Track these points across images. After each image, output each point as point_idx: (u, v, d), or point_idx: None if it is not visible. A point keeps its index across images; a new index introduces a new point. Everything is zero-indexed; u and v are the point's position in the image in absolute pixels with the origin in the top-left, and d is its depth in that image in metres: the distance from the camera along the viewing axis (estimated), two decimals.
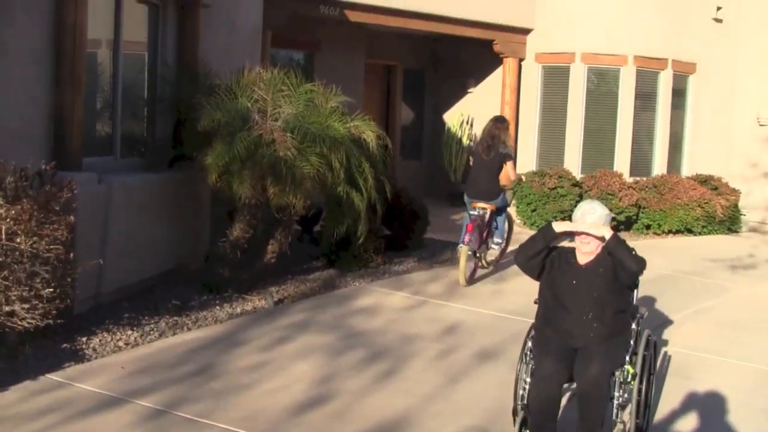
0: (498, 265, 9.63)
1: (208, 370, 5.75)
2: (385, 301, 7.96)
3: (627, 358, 4.80)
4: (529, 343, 4.91)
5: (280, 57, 12.27)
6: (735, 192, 14.08)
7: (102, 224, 6.76)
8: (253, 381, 5.59)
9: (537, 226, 12.67)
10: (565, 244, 5.14)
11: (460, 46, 14.91)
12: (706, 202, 13.25)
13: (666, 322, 7.75)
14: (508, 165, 9.15)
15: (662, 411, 5.57)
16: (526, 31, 14.18)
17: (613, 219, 12.70)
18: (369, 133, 8.05)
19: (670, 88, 14.23)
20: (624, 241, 4.83)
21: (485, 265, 9.41)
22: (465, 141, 15.21)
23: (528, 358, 4.86)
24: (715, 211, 13.32)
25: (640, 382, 4.81)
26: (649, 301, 8.10)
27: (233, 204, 7.72)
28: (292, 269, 8.72)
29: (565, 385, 4.80)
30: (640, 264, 4.79)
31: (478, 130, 15.25)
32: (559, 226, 4.91)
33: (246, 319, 7.05)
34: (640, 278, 5.09)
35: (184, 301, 7.28)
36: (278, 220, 7.95)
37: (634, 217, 13.28)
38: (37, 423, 4.71)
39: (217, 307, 7.24)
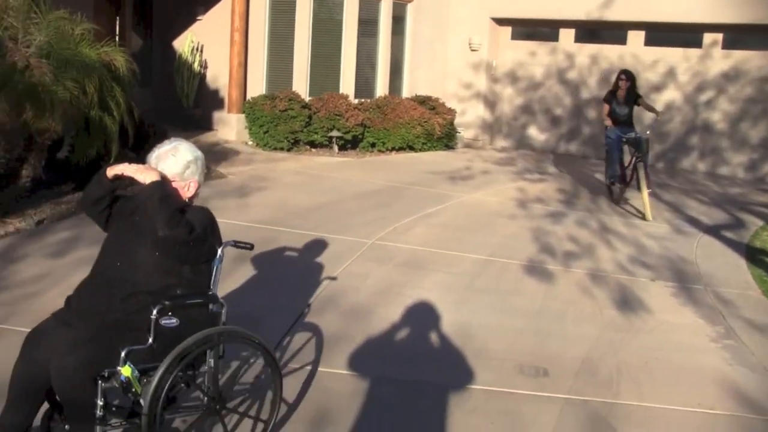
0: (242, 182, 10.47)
1: None
2: None
3: (123, 354, 3.33)
4: None
5: None
6: (451, 111, 15.44)
7: None
8: (42, 289, 5.94)
9: (270, 147, 13.52)
10: None
11: None
12: (426, 121, 14.50)
13: (398, 226, 8.85)
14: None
15: (406, 295, 6.53)
16: None
17: (341, 138, 13.91)
18: (120, 58, 8.46)
19: (390, 15, 15.16)
20: (168, 196, 3.49)
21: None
22: (196, 67, 15.48)
23: None
24: (434, 129, 14.63)
25: (155, 399, 3.29)
26: (379, 208, 9.23)
27: None
28: (45, 193, 8.92)
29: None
30: (176, 229, 3.41)
31: (208, 56, 15.68)
32: (112, 170, 3.65)
33: (13, 239, 7.29)
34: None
35: None
36: (30, 145, 8.17)
37: (360, 136, 14.28)
38: None
39: None
